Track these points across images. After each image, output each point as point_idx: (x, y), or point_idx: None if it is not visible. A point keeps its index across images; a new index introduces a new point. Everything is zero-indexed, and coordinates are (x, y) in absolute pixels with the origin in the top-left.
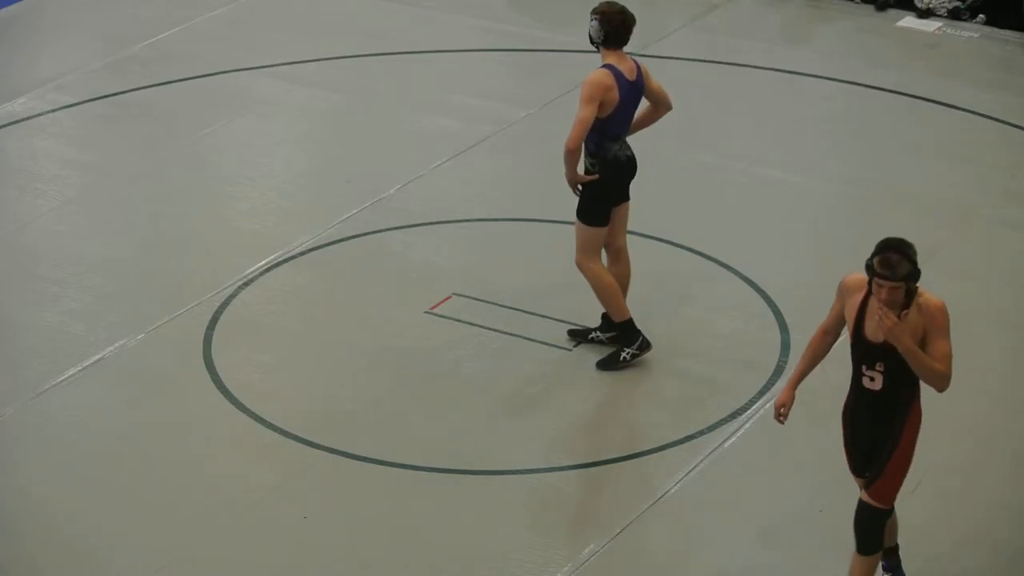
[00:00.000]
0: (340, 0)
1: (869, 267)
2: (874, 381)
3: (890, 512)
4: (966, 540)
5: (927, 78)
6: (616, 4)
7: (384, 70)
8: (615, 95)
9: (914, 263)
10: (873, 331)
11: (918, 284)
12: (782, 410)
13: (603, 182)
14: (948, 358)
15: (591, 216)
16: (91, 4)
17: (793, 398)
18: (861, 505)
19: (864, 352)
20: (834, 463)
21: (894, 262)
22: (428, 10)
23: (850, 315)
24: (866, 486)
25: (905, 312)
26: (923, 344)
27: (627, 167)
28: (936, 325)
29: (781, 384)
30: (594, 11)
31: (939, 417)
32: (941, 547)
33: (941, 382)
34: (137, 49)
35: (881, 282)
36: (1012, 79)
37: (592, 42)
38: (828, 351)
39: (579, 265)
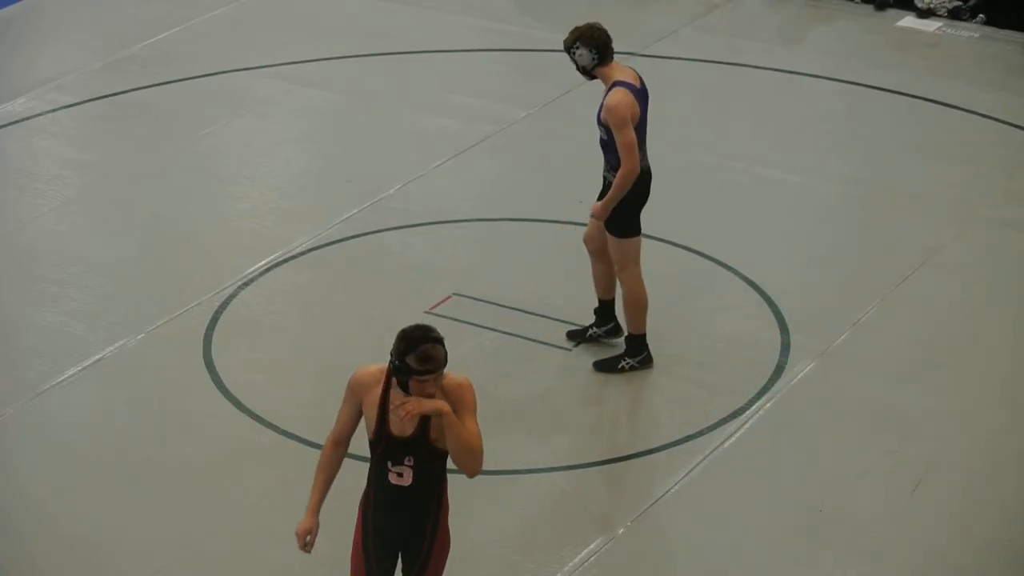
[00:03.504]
0: (340, 0)
1: (401, 368)
2: (403, 477)
3: None
4: (972, 540)
5: (927, 78)
6: (585, 24)
7: (384, 70)
8: (638, 109)
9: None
10: (399, 426)
11: None
12: (307, 538)
13: (634, 194)
14: (479, 437)
15: (627, 228)
16: (91, 4)
17: (317, 524)
18: None
19: (391, 449)
20: (833, 463)
21: (437, 354)
22: (428, 10)
23: (371, 412)
24: None
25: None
26: None
27: (649, 174)
28: (466, 404)
29: (781, 384)
30: (573, 43)
31: (943, 417)
32: (946, 547)
33: (475, 460)
34: (137, 49)
35: (425, 378)
36: (1012, 79)
37: (588, 71)
38: (341, 463)
39: (620, 278)
